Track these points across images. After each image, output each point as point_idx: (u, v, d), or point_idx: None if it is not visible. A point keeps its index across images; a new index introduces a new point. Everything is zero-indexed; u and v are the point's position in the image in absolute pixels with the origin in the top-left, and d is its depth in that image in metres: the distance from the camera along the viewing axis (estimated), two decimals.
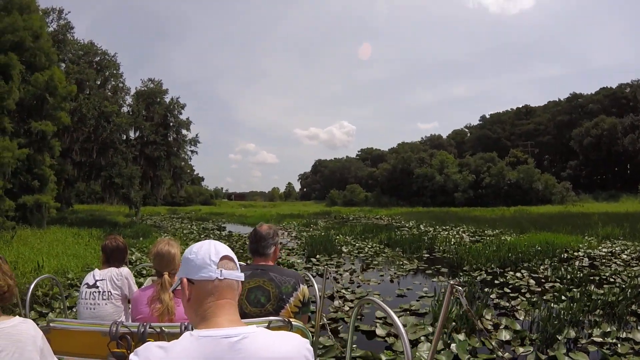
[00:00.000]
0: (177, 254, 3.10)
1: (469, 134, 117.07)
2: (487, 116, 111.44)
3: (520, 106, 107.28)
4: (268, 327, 2.08)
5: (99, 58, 30.92)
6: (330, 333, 5.80)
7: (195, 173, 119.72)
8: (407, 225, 31.10)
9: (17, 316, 1.94)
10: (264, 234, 2.99)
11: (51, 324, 2.43)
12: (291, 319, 2.37)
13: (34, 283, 4.19)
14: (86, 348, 2.40)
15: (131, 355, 1.28)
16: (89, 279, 3.56)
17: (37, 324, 1.99)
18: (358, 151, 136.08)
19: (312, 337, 2.83)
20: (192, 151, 35.58)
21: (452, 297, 2.45)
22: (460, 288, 2.38)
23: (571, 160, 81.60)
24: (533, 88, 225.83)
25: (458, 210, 52.64)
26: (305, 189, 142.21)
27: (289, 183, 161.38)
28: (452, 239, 19.85)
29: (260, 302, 2.73)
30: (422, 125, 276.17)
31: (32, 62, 20.75)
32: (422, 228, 27.89)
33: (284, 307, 2.74)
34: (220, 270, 1.40)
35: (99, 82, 29.55)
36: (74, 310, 5.57)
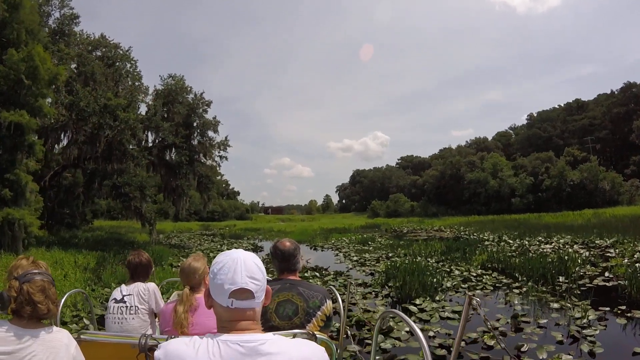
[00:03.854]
0: (199, 267, 3.17)
1: (514, 135, 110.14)
2: (535, 114, 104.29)
3: (571, 101, 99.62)
4: None
5: (109, 52, 26.17)
6: (354, 345, 5.83)
7: (230, 187, 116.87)
8: (482, 237, 25.53)
9: (55, 326, 2.11)
10: (291, 251, 3.08)
11: (82, 336, 2.43)
12: (316, 332, 2.36)
13: (65, 297, 4.22)
14: None
15: (156, 353, 1.40)
16: (116, 294, 3.62)
17: None
18: (398, 159, 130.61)
19: (337, 350, 2.76)
20: (221, 156, 29.36)
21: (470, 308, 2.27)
22: (478, 299, 2.29)
23: (633, 155, 73.76)
24: (567, 89, 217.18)
25: (523, 217, 46.46)
26: (344, 201, 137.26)
27: (327, 195, 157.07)
28: (577, 257, 14.41)
29: (288, 316, 2.78)
30: (456, 132, 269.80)
31: (10, 39, 16.22)
32: (509, 241, 22.44)
33: (310, 320, 2.79)
34: (232, 300, 1.44)
35: (108, 79, 24.51)
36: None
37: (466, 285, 11.38)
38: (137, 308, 3.55)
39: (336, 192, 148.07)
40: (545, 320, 7.87)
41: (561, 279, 11.59)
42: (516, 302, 9.53)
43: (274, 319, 2.78)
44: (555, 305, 8.94)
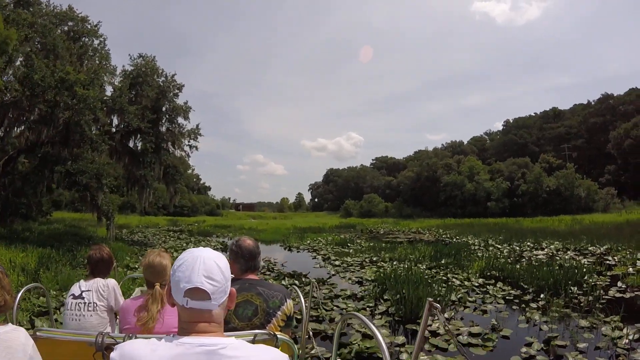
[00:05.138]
0: (168, 265, 3.04)
1: (488, 141, 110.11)
2: (511, 121, 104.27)
3: (548, 109, 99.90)
4: (253, 341, 2.09)
5: (75, 25, 23.21)
6: (316, 346, 5.59)
7: (202, 182, 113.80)
8: (466, 241, 24.00)
9: (10, 323, 1.97)
10: (255, 250, 3.02)
11: (38, 333, 2.33)
12: (277, 333, 2.30)
13: (20, 292, 4.00)
14: (72, 358, 2.31)
15: (113, 354, 1.34)
16: (74, 289, 3.52)
17: None
18: (372, 160, 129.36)
19: (298, 350, 2.90)
20: (191, 146, 26.43)
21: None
22: (438, 305, 2.42)
23: (608, 164, 74.16)
24: (542, 98, 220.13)
25: (500, 221, 45.30)
26: (316, 199, 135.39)
27: (299, 193, 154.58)
28: (581, 266, 12.90)
29: (247, 316, 2.72)
30: (430, 136, 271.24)
31: None
32: (497, 246, 21.03)
33: (270, 321, 2.73)
34: (187, 300, 1.38)
35: (72, 54, 21.61)
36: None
37: (473, 299, 9.68)
38: (95, 305, 3.44)
39: (309, 190, 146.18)
40: (585, 344, 6.49)
41: (574, 289, 10.21)
42: (537, 318, 8.06)
43: (233, 320, 2.70)
44: (584, 323, 7.57)
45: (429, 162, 76.38)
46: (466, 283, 11.46)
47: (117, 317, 3.52)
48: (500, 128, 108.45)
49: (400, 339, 6.77)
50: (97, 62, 23.35)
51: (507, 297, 9.85)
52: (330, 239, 27.44)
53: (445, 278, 11.95)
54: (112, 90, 23.09)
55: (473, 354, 6.26)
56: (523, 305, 9.10)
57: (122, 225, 40.07)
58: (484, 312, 8.60)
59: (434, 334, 7.09)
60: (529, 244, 21.41)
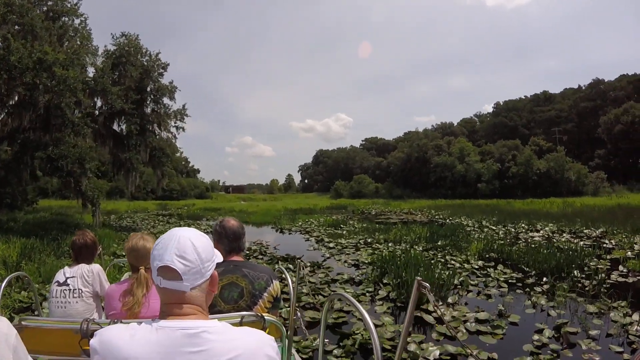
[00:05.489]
0: (151, 248, 2.06)
1: (478, 123, 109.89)
2: (501, 103, 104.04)
3: (539, 92, 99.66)
4: (240, 323, 2.09)
5: (55, 5, 21.51)
6: (304, 327, 4.86)
7: (190, 165, 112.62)
8: (460, 222, 23.59)
9: None
10: (240, 230, 2.96)
11: (23, 322, 2.29)
12: (264, 314, 2.28)
13: (5, 281, 3.78)
14: (59, 346, 2.33)
15: (92, 341, 1.28)
16: (59, 276, 3.48)
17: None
18: (362, 140, 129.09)
19: (287, 332, 2.76)
20: (177, 127, 25.33)
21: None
22: (427, 284, 2.29)
23: (598, 149, 74.35)
24: (531, 83, 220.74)
25: (491, 202, 45.25)
26: (306, 181, 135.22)
27: (289, 175, 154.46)
28: (581, 249, 12.59)
29: (234, 299, 2.67)
30: (418, 118, 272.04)
31: None
32: (492, 227, 20.73)
33: (257, 303, 2.69)
34: (160, 279, 1.34)
35: (52, 34, 19.94)
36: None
37: (475, 282, 9.31)
38: (80, 291, 3.40)
39: (299, 171, 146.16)
40: (597, 332, 6.19)
41: (576, 273, 9.90)
42: (543, 303, 7.73)
43: (219, 304, 2.63)
44: (592, 309, 7.25)
45: (419, 143, 76.03)
46: (466, 265, 11.09)
47: (103, 302, 3.37)
48: (490, 110, 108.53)
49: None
50: (79, 42, 22.17)
51: (509, 281, 9.51)
52: (322, 220, 26.94)
53: (443, 260, 11.57)
54: (94, 71, 22.07)
55: (486, 344, 5.87)
56: (527, 289, 8.73)
57: (110, 211, 39.33)
58: (488, 297, 8.23)
59: (440, 321, 6.70)
60: (523, 225, 21.10)
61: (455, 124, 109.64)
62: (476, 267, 10.99)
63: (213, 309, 2.53)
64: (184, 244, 1.34)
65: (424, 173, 70.70)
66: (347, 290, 8.57)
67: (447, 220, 25.59)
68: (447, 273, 8.91)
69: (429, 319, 6.69)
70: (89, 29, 22.79)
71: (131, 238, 3.06)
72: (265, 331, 1.58)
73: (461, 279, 9.21)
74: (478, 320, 6.70)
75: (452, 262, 11.50)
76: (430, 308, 6.99)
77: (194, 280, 1.34)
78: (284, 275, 3.97)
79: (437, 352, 5.41)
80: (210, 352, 1.23)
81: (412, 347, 5.50)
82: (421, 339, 5.84)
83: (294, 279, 4.32)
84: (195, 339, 1.24)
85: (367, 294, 8.44)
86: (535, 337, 6.00)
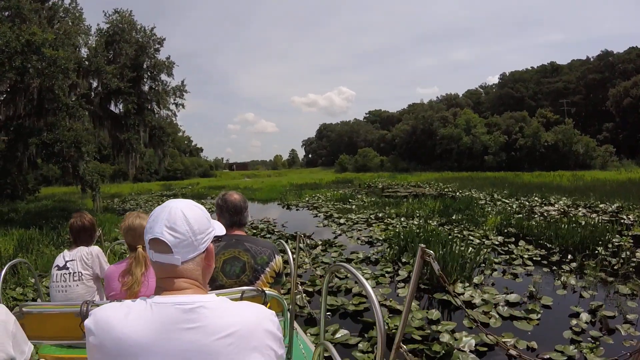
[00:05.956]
0: None
1: (483, 94, 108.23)
2: (507, 74, 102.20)
3: (546, 63, 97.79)
4: (241, 298, 2.06)
5: None
6: (305, 301, 5.52)
7: (193, 144, 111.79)
8: (471, 195, 23.03)
9: None
10: (241, 204, 2.90)
11: (24, 309, 2.28)
12: (265, 289, 2.23)
13: (5, 268, 3.75)
14: (60, 331, 2.33)
15: (86, 322, 1.24)
16: (59, 260, 3.44)
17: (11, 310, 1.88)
18: (366, 113, 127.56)
19: (288, 306, 2.76)
20: (177, 104, 24.28)
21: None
22: (431, 252, 2.25)
23: (606, 122, 73.01)
24: (535, 54, 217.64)
25: (499, 175, 44.49)
26: (310, 155, 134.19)
27: (293, 150, 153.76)
28: (603, 224, 12.03)
29: (235, 274, 2.65)
30: (421, 90, 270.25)
31: None
32: (505, 200, 20.18)
33: (259, 277, 2.67)
34: (152, 252, 1.29)
35: (41, 16, 18.91)
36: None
37: (498, 260, 8.80)
38: (80, 274, 3.36)
39: (302, 146, 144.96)
40: (634, 315, 5.74)
41: (600, 250, 9.35)
42: (573, 283, 7.26)
43: (220, 278, 2.62)
44: (625, 290, 6.81)
45: (424, 115, 74.93)
46: (485, 242, 10.59)
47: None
48: (495, 82, 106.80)
49: (434, 314, 5.85)
50: (70, 23, 21.04)
51: (534, 258, 9.01)
52: (329, 195, 26.45)
53: (460, 236, 11.05)
54: (87, 52, 21.16)
55: (528, 332, 5.37)
56: (555, 268, 8.25)
57: (114, 194, 38.78)
58: (514, 276, 7.74)
59: (470, 304, 6.20)
60: (536, 199, 20.54)
61: (460, 95, 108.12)
62: (497, 243, 10.51)
63: (214, 283, 2.53)
64: (175, 215, 1.28)
65: (430, 145, 69.80)
66: (365, 271, 8.05)
67: (457, 193, 25.04)
68: (469, 250, 8.39)
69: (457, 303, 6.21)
70: (80, 9, 21.61)
71: (127, 217, 3.01)
72: (266, 306, 1.48)
73: (484, 256, 8.68)
74: (509, 304, 6.22)
75: (471, 237, 11.01)
76: (458, 290, 6.51)
77: (186, 253, 1.28)
78: (282, 248, 3.75)
79: (473, 342, 4.93)
80: (207, 328, 1.17)
81: (445, 337, 5.03)
82: (453, 327, 5.36)
83: (294, 253, 4.26)
84: (191, 314, 1.18)
85: (387, 274, 7.91)
86: (573, 321, 5.57)
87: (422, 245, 2.29)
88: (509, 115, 68.78)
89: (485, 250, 9.29)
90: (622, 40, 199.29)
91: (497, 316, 5.74)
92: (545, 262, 8.76)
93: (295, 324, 3.87)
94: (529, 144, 60.55)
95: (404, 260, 8.66)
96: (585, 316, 5.70)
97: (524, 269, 8.22)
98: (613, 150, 60.81)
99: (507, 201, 19.88)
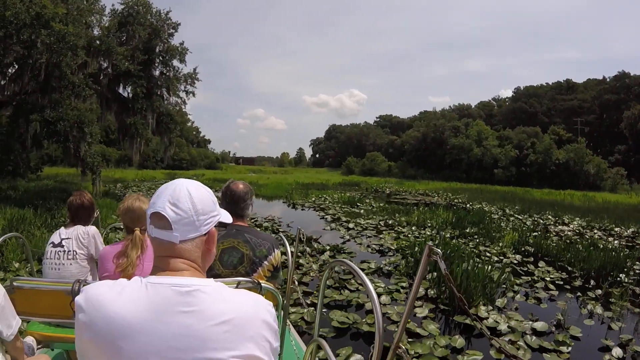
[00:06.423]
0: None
1: (496, 107, 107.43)
2: (522, 88, 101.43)
3: (562, 80, 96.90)
4: (236, 288, 1.78)
5: None
6: (301, 296, 5.43)
7: (201, 135, 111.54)
8: (478, 207, 22.52)
9: None
10: (242, 195, 2.84)
11: (15, 283, 2.24)
12: (261, 281, 2.17)
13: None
14: (50, 308, 2.32)
15: (77, 298, 1.18)
16: (54, 237, 3.37)
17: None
18: (376, 117, 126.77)
19: (283, 300, 2.65)
20: (187, 92, 23.76)
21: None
22: (438, 250, 2.05)
23: (619, 144, 72.02)
24: (548, 70, 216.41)
25: (508, 189, 43.77)
26: (317, 155, 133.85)
27: (300, 148, 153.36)
28: (619, 249, 11.51)
29: (233, 264, 2.61)
30: (432, 98, 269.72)
31: None
32: (518, 216, 19.56)
33: (256, 270, 2.63)
34: (152, 227, 1.26)
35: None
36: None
37: (519, 282, 8.23)
38: (75, 253, 3.28)
39: (310, 146, 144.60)
40: None
41: (622, 277, 8.86)
42: (599, 312, 6.72)
43: (217, 267, 2.58)
44: None
45: (436, 123, 74.32)
46: (504, 260, 10.03)
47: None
48: (508, 95, 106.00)
49: (458, 341, 5.25)
50: (85, 2, 20.62)
51: (556, 282, 8.46)
52: (336, 196, 25.92)
53: (477, 251, 10.52)
54: (99, 31, 20.78)
55: None
56: (579, 294, 7.70)
57: (117, 179, 38.69)
58: (538, 301, 7.19)
59: (494, 331, 5.65)
60: (549, 217, 19.97)
61: (473, 106, 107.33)
62: (515, 262, 9.95)
63: (210, 272, 2.41)
64: (179, 192, 1.25)
65: (440, 154, 69.13)
66: (378, 284, 7.46)
67: (468, 205, 24.44)
68: (487, 268, 7.83)
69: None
70: None
71: (126, 199, 3.00)
72: None
73: (503, 275, 8.11)
74: (536, 332, 5.68)
75: (487, 253, 10.46)
76: (482, 314, 5.97)
77: (185, 232, 1.24)
78: (282, 243, 3.57)
79: None
80: (202, 312, 1.13)
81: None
82: (480, 358, 4.82)
83: (292, 247, 4.26)
84: (187, 297, 1.14)
85: (402, 290, 7.30)
86: (606, 357, 5.08)
87: (430, 243, 2.12)
88: (521, 129, 68.09)
89: (504, 269, 8.72)
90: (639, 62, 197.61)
91: (526, 347, 5.20)
92: (567, 286, 8.22)
93: (288, 321, 3.77)
94: (540, 160, 59.78)
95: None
96: (616, 351, 5.20)
97: (547, 293, 7.66)
98: (624, 173, 59.84)
99: (520, 217, 19.28)
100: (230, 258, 2.60)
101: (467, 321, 5.78)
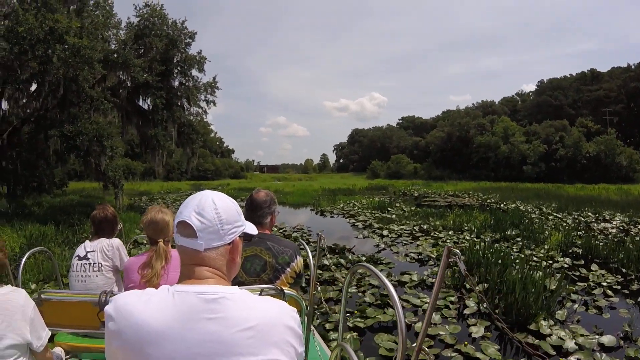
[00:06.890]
0: (170, 221, 2.97)
1: (520, 102, 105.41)
2: (545, 81, 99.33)
3: (586, 70, 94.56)
4: (260, 295, 1.72)
5: None
6: (324, 302, 5.41)
7: (225, 145, 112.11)
8: (512, 207, 21.74)
9: (9, 285, 2.01)
10: (260, 202, 2.85)
11: (42, 296, 2.29)
12: (284, 288, 2.13)
13: (26, 255, 3.96)
14: (78, 319, 2.34)
15: (107, 308, 1.20)
16: (80, 250, 3.47)
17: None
18: (399, 119, 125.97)
19: (307, 307, 2.74)
20: (207, 101, 23.47)
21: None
22: (458, 252, 2.23)
23: None
24: (567, 63, 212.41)
25: (539, 186, 42.54)
26: (341, 160, 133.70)
27: (324, 154, 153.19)
28: None
29: (256, 272, 2.61)
30: (454, 97, 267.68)
31: None
32: (557, 215, 18.80)
33: (279, 277, 2.62)
34: (178, 236, 1.30)
35: (70, 9, 18.53)
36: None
37: (575, 288, 7.63)
38: (100, 265, 3.39)
39: (333, 151, 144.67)
40: None
41: None
42: None
43: (240, 275, 2.57)
44: None
45: (460, 122, 73.18)
46: (553, 264, 9.43)
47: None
48: (531, 89, 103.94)
49: None
50: (101, 17, 20.46)
51: (613, 287, 7.86)
52: (364, 202, 25.41)
53: (522, 256, 9.92)
54: (115, 44, 20.63)
55: None
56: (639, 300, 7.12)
57: (143, 192, 38.83)
58: (599, 310, 6.62)
59: (561, 351, 5.12)
60: (589, 214, 19.14)
61: (497, 102, 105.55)
62: (565, 265, 9.35)
63: (233, 280, 2.05)
64: (205, 202, 1.29)
65: (466, 153, 67.96)
66: (423, 300, 6.94)
67: (502, 205, 23.68)
68: (539, 274, 7.25)
69: (546, 346, 5.13)
70: (110, 2, 21.02)
71: (149, 211, 3.02)
72: None
73: (562, 284, 7.51)
74: (604, 348, 5.15)
75: (534, 258, 9.88)
76: (544, 330, 5.45)
77: (210, 240, 1.27)
78: (302, 247, 3.63)
79: None
80: (228, 319, 1.15)
81: None
82: None
83: (314, 253, 4.22)
84: (213, 304, 1.16)
85: (451, 305, 6.65)
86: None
87: (448, 244, 1.85)
88: (548, 123, 66.38)
89: (562, 277, 8.13)
90: None
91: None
92: (626, 291, 7.61)
93: (312, 327, 3.78)
94: (569, 155, 58.17)
95: (467, 286, 7.43)
96: None
97: (607, 300, 7.08)
98: None
99: (558, 216, 18.52)
100: (253, 266, 2.62)
101: (530, 339, 5.27)
